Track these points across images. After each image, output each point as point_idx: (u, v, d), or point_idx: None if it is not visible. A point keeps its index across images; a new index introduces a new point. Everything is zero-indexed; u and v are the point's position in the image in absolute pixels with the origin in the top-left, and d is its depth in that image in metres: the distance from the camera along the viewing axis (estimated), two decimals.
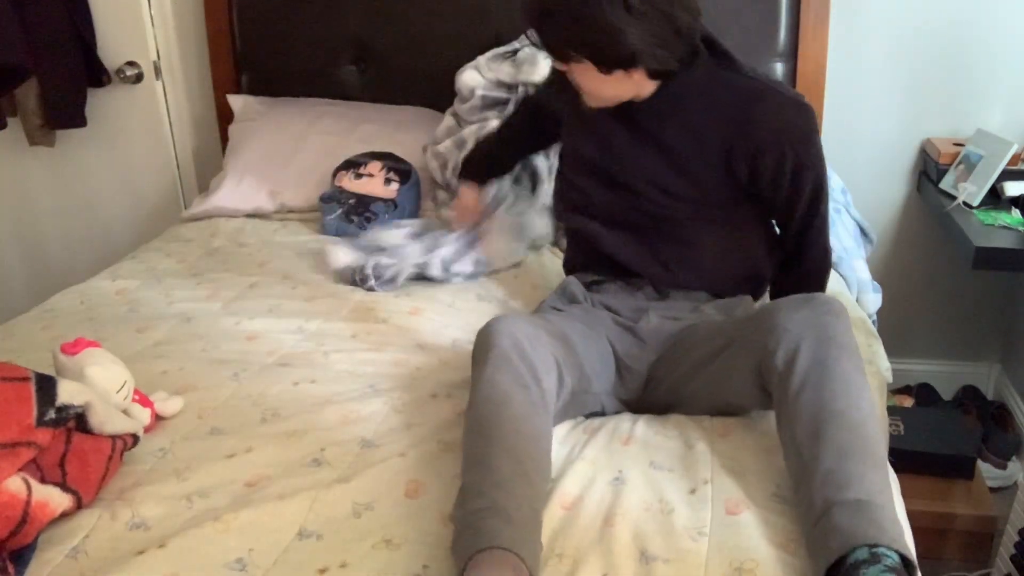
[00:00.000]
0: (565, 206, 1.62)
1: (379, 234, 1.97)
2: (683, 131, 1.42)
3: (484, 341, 1.22)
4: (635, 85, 1.39)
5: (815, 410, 1.10)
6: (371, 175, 2.07)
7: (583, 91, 1.42)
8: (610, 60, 1.32)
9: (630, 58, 1.31)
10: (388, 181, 2.07)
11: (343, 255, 1.88)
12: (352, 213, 2.05)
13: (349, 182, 2.08)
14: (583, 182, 1.54)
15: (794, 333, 1.16)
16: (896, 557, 0.95)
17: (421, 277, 1.82)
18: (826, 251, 1.54)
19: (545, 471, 1.12)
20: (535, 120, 1.79)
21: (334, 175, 2.14)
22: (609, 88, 1.38)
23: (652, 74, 1.37)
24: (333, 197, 2.09)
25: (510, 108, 2.10)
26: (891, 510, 1.01)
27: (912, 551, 0.99)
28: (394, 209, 2.07)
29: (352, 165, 2.12)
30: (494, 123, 2.08)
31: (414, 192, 2.13)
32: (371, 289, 1.79)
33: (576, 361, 1.32)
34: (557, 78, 1.57)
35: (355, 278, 1.82)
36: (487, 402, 1.13)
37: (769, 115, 1.38)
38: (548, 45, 1.35)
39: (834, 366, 1.12)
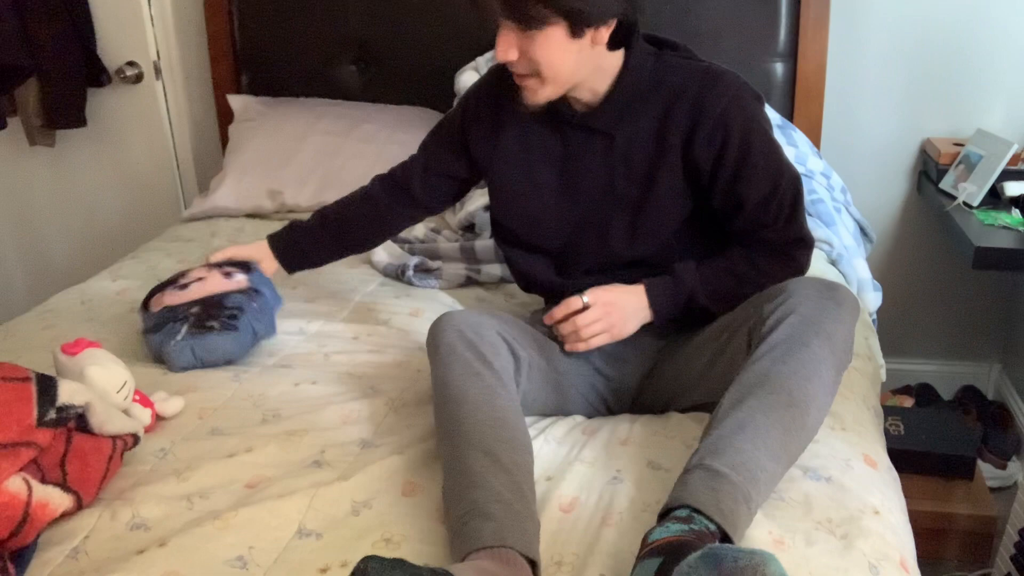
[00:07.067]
0: (517, 278, 1.52)
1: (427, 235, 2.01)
2: (640, 131, 1.32)
3: (432, 339, 1.23)
4: (594, 59, 1.27)
5: (759, 378, 1.08)
6: (201, 278, 1.56)
7: (533, 77, 1.26)
8: (589, 14, 1.19)
9: (604, 8, 1.20)
10: (228, 275, 1.56)
11: (383, 252, 1.92)
12: (207, 319, 1.48)
13: (176, 296, 1.53)
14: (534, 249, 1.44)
15: (790, 304, 1.14)
16: (712, 527, 0.95)
17: (472, 282, 1.84)
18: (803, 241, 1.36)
19: (522, 445, 1.12)
20: (423, 179, 1.55)
21: (145, 306, 1.57)
22: (571, 60, 1.23)
23: (614, 39, 1.25)
24: (164, 320, 1.50)
25: None
26: (747, 496, 0.99)
27: (735, 537, 0.97)
28: (258, 296, 1.55)
29: (167, 284, 1.58)
30: None
31: (266, 279, 1.62)
32: (409, 282, 1.83)
33: (529, 336, 1.31)
34: (471, 115, 1.46)
35: (396, 273, 1.86)
36: (446, 404, 1.15)
37: (729, 95, 1.28)
38: (515, 5, 1.19)
39: (805, 348, 1.09)
